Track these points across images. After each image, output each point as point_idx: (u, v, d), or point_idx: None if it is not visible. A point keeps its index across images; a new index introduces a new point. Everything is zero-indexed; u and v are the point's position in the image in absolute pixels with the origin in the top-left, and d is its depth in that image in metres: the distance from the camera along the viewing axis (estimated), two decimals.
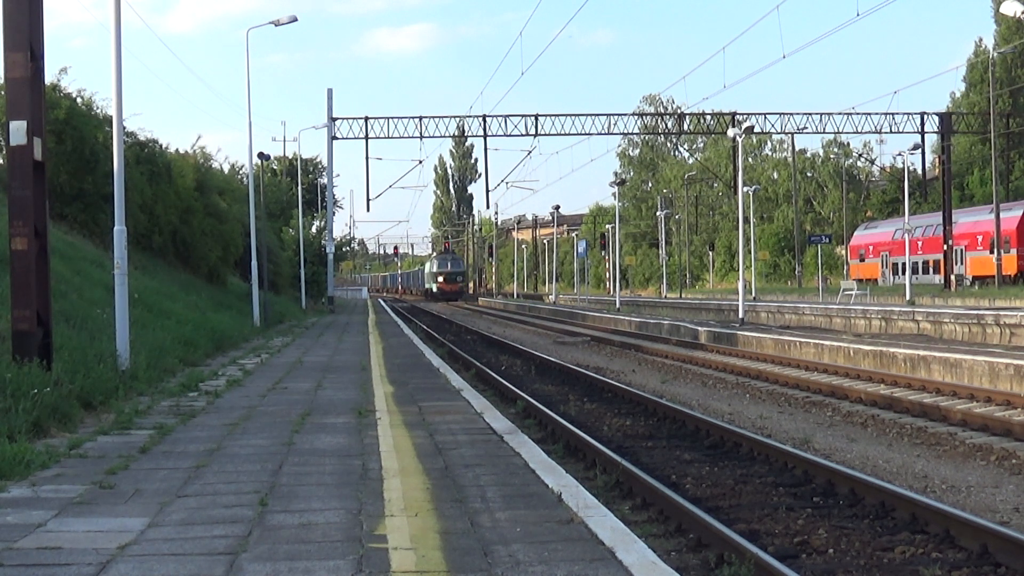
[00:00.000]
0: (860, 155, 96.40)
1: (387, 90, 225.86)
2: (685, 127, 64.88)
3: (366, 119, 55.59)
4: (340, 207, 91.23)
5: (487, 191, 59.97)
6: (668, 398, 17.08)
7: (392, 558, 5.70)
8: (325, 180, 64.00)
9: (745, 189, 46.94)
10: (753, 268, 59.20)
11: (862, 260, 73.37)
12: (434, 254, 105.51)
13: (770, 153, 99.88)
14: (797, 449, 11.53)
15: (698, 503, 8.87)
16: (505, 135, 55.63)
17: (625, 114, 58.99)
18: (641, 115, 66.96)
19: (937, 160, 63.81)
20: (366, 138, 55.51)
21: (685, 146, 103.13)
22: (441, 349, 26.38)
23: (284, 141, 67.77)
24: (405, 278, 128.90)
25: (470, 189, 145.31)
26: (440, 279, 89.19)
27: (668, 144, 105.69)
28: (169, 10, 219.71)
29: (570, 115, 55.56)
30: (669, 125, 69.70)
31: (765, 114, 56.18)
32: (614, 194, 64.60)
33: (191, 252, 37.10)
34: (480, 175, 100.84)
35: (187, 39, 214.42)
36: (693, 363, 24.38)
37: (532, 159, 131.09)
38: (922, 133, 55.19)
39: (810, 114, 56.02)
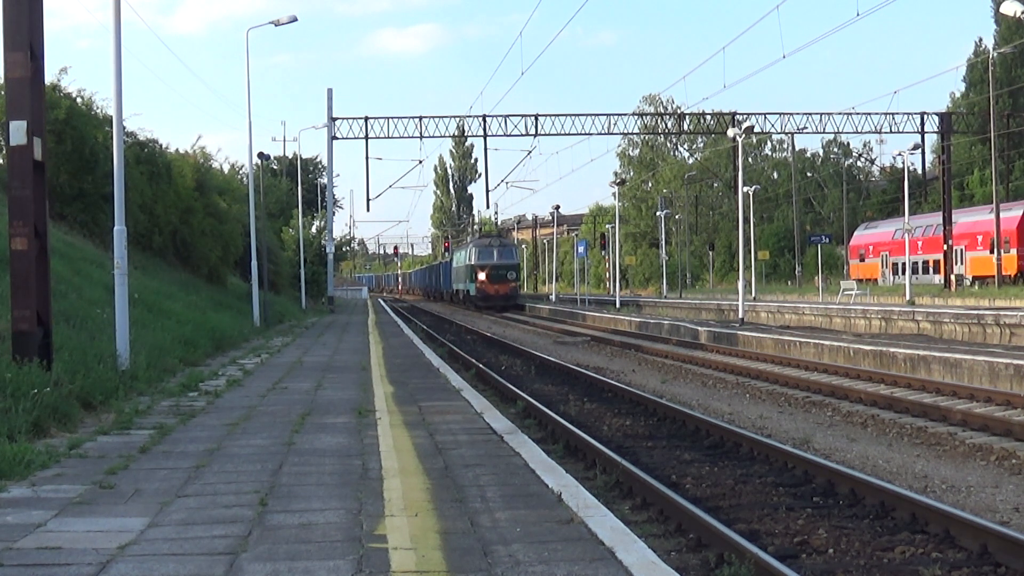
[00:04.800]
0: (860, 155, 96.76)
1: (387, 90, 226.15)
2: (685, 127, 64.98)
3: (366, 119, 55.68)
4: (340, 207, 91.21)
5: (487, 191, 60.06)
6: (668, 398, 17.07)
7: (392, 558, 5.70)
8: (325, 180, 64.17)
9: (745, 189, 46.89)
10: (753, 268, 59.16)
11: (862, 260, 73.38)
12: (472, 239, 72.84)
13: (770, 153, 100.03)
14: (797, 449, 11.52)
15: (698, 503, 8.87)
16: (505, 135, 55.80)
17: (625, 114, 59.21)
18: (641, 115, 67.02)
19: (937, 160, 63.77)
20: (366, 138, 55.63)
21: (685, 146, 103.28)
22: (441, 349, 26.36)
23: (284, 141, 68.18)
24: (418, 276, 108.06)
25: (470, 189, 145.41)
26: (483, 275, 59.71)
27: (668, 144, 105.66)
28: (174, 11, 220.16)
29: (570, 115, 55.83)
30: (669, 125, 69.76)
31: (765, 114, 56.38)
32: (614, 194, 64.64)
33: (191, 252, 37.11)
34: (480, 175, 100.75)
35: (191, 40, 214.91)
36: (693, 363, 24.35)
37: (532, 159, 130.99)
38: (922, 133, 55.28)
39: (810, 114, 56.26)
